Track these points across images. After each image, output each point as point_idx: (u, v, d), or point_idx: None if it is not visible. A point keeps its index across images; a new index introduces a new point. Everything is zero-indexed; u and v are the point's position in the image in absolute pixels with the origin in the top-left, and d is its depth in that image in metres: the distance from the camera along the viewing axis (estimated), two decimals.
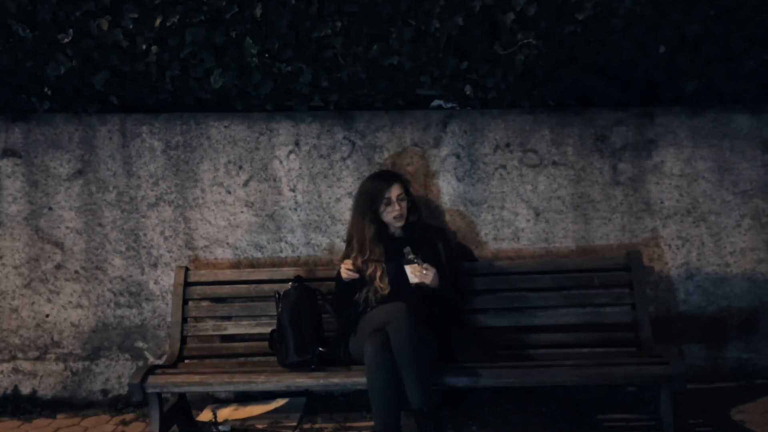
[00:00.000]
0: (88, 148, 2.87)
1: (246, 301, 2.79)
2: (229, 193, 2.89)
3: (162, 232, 2.89)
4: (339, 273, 2.49)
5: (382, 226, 2.53)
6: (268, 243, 2.90)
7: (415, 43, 2.59)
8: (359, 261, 2.47)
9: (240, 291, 2.78)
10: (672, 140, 2.84)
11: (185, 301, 2.76)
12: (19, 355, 2.92)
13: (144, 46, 2.56)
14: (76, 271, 2.90)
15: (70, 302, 2.91)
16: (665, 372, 2.26)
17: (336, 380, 2.34)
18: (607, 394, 2.77)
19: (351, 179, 2.86)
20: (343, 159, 2.87)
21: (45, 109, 2.80)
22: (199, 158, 2.87)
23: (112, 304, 2.91)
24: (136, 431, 2.65)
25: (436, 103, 2.89)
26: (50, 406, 2.88)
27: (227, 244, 2.90)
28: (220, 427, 2.60)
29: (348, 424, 2.61)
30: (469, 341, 2.52)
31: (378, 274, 2.46)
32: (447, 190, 2.87)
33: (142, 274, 2.90)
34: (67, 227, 2.89)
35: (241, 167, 2.88)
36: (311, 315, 2.48)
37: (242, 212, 2.89)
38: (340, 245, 2.84)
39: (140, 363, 2.90)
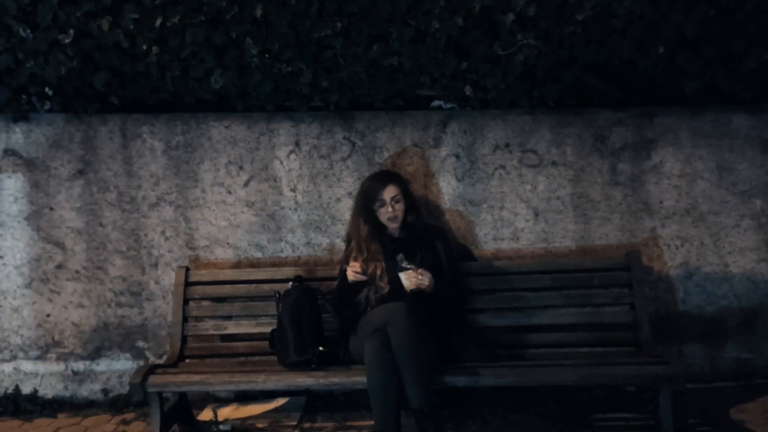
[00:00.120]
0: (88, 148, 2.87)
1: (246, 300, 2.79)
2: (230, 193, 2.89)
3: (163, 232, 2.90)
4: (343, 274, 2.49)
5: (378, 226, 2.54)
6: (269, 243, 2.90)
7: (415, 43, 2.60)
8: (360, 260, 2.47)
9: (240, 291, 2.79)
10: (671, 140, 2.84)
11: (186, 301, 2.77)
12: (20, 354, 2.93)
13: (144, 47, 2.57)
14: (77, 271, 2.91)
15: (71, 302, 2.91)
16: (665, 372, 2.26)
17: (336, 380, 2.35)
18: (607, 394, 2.77)
19: (351, 179, 2.87)
20: (343, 159, 2.87)
21: (46, 110, 2.80)
22: (200, 158, 2.88)
23: (113, 304, 2.91)
24: (136, 431, 2.66)
25: (436, 103, 2.90)
26: (51, 406, 2.88)
27: (228, 244, 2.90)
28: (221, 427, 2.60)
29: (348, 424, 2.61)
30: (469, 341, 2.53)
31: (378, 272, 2.46)
32: (447, 190, 2.87)
33: (143, 274, 2.90)
34: (68, 227, 2.90)
35: (241, 167, 2.88)
36: (311, 315, 2.48)
37: (243, 212, 2.90)
38: (340, 245, 2.84)
39: (141, 362, 2.90)
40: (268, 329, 2.57)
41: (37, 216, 2.89)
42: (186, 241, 2.90)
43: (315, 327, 2.48)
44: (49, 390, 2.93)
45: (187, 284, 2.78)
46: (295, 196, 2.88)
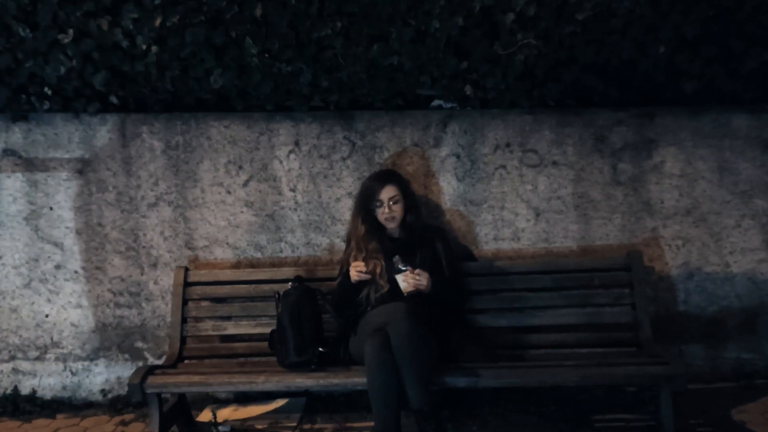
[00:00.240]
0: (88, 148, 2.87)
1: (246, 301, 2.78)
2: (229, 193, 2.89)
3: (162, 232, 2.89)
4: (345, 274, 2.48)
5: (377, 226, 2.54)
6: (268, 243, 2.89)
7: (415, 43, 2.60)
8: (361, 259, 2.47)
9: (240, 291, 2.78)
10: (672, 140, 2.84)
11: (185, 302, 2.76)
12: (19, 355, 2.92)
13: (144, 46, 2.56)
14: (76, 271, 2.90)
15: (70, 302, 2.91)
16: (665, 372, 2.26)
17: (336, 380, 2.34)
18: (607, 394, 2.77)
19: (351, 179, 2.86)
20: (343, 159, 2.87)
21: (45, 109, 2.80)
22: (199, 158, 2.87)
23: (111, 304, 2.91)
24: (135, 431, 2.65)
25: (436, 103, 2.89)
26: (50, 406, 2.88)
27: (227, 244, 2.89)
28: (220, 428, 2.59)
29: (348, 424, 2.61)
30: (469, 341, 2.52)
31: (378, 271, 2.46)
32: (447, 190, 2.87)
33: (142, 274, 2.90)
34: (67, 227, 2.89)
35: (241, 167, 2.88)
36: (311, 315, 2.48)
37: (242, 212, 2.89)
38: (340, 245, 2.84)
39: (140, 363, 2.90)
40: (267, 330, 2.56)
41: (36, 216, 2.89)
42: (185, 242, 2.89)
43: (315, 327, 2.47)
44: (47, 390, 2.93)
45: (187, 284, 2.77)
46: (295, 196, 2.88)
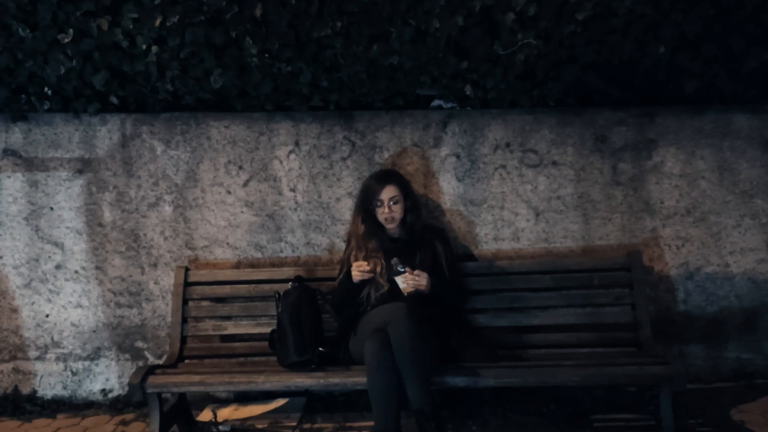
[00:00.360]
0: (88, 148, 2.87)
1: (246, 301, 2.79)
2: (229, 193, 2.89)
3: (162, 232, 2.89)
4: (347, 274, 2.48)
5: (377, 225, 2.54)
6: (268, 243, 2.89)
7: (415, 43, 2.59)
8: (361, 258, 2.47)
9: (240, 291, 2.78)
10: (672, 140, 2.84)
11: (185, 301, 2.76)
12: (19, 354, 2.92)
13: (144, 46, 2.56)
14: (76, 271, 2.90)
15: (70, 302, 2.91)
16: (665, 372, 2.26)
17: (336, 380, 2.34)
18: (607, 394, 2.77)
19: (351, 179, 2.86)
20: (343, 159, 2.87)
21: (45, 109, 2.80)
22: (199, 158, 2.87)
23: (112, 304, 2.91)
24: (136, 431, 2.65)
25: (436, 103, 2.89)
26: (50, 406, 2.88)
27: (227, 244, 2.89)
28: (220, 427, 2.60)
29: (348, 424, 2.61)
30: (469, 341, 2.52)
31: (378, 270, 2.46)
32: (447, 190, 2.87)
33: (142, 274, 2.90)
34: (67, 227, 2.89)
35: (241, 167, 2.88)
36: (311, 315, 2.48)
37: (242, 212, 2.89)
38: (340, 245, 2.84)
39: (140, 363, 2.90)
40: (267, 329, 2.57)
41: (36, 216, 2.89)
42: (185, 241, 2.89)
43: (315, 327, 2.47)
44: (48, 390, 2.93)
45: (187, 284, 2.77)
46: (295, 196, 2.88)
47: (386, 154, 2.86)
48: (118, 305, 2.91)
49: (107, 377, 2.93)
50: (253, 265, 2.89)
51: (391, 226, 2.53)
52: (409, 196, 2.57)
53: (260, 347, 2.67)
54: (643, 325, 2.60)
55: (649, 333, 2.58)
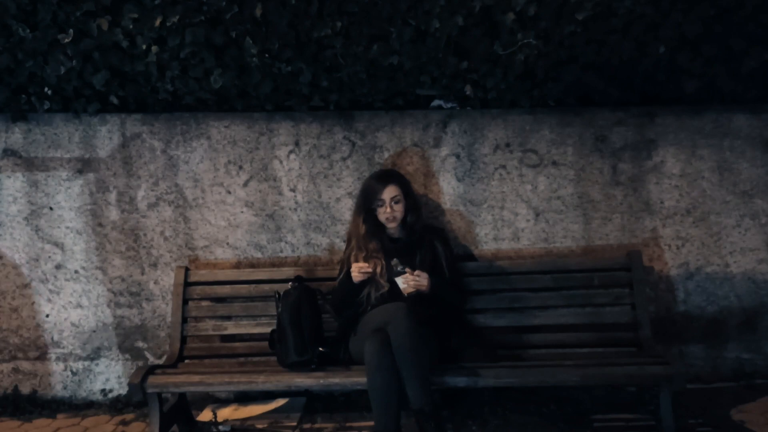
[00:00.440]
0: (88, 148, 2.87)
1: (246, 301, 2.79)
2: (229, 193, 2.89)
3: (162, 232, 2.89)
4: (347, 275, 2.48)
5: (378, 225, 2.54)
6: (268, 243, 2.90)
7: (415, 43, 2.59)
8: (361, 258, 2.47)
9: (240, 291, 2.78)
10: (672, 140, 2.84)
11: (185, 301, 2.76)
12: (19, 354, 2.92)
13: (144, 46, 2.56)
14: (76, 271, 2.90)
15: (70, 302, 2.91)
16: (665, 372, 2.26)
17: (336, 380, 2.34)
18: (607, 394, 2.77)
19: (351, 179, 2.86)
20: (343, 159, 2.87)
21: (45, 109, 2.80)
22: (199, 158, 2.87)
23: (112, 304, 2.91)
24: (136, 431, 2.65)
25: (436, 103, 2.89)
26: (50, 406, 2.88)
27: (227, 244, 2.90)
28: (220, 427, 2.60)
29: (348, 424, 2.61)
30: (469, 341, 2.52)
31: (378, 270, 2.46)
32: (447, 190, 2.87)
33: (142, 274, 2.90)
34: (67, 227, 2.89)
35: (241, 167, 2.88)
36: (311, 315, 2.48)
37: (242, 212, 2.89)
38: (340, 245, 2.84)
39: (140, 363, 2.90)
40: (267, 329, 2.57)
41: (36, 216, 2.89)
42: (185, 241, 2.89)
43: (315, 327, 2.47)
44: (48, 390, 2.93)
45: (187, 284, 2.77)
46: (295, 196, 2.88)
47: (386, 154, 2.86)
48: (118, 305, 2.91)
49: (107, 377, 2.93)
50: (253, 265, 2.89)
51: (392, 226, 2.53)
52: (409, 196, 2.57)
53: (260, 347, 2.67)
54: (643, 325, 2.60)
55: (649, 333, 2.58)
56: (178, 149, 2.87)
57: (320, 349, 2.41)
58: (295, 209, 2.88)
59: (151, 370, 2.44)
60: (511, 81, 2.71)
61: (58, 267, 2.90)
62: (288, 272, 2.73)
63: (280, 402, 2.84)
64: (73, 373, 2.93)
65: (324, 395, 2.86)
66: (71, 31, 2.54)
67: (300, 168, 2.87)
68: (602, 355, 2.57)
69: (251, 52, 2.55)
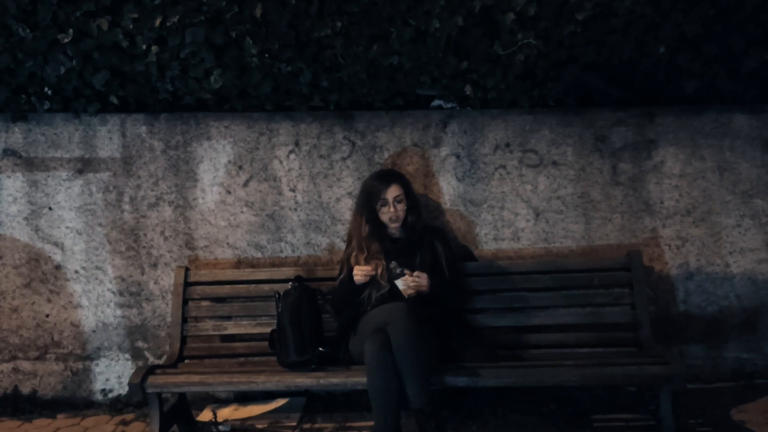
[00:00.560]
0: (88, 148, 2.87)
1: (246, 301, 2.79)
2: (229, 193, 2.89)
3: (162, 232, 2.89)
4: (348, 276, 2.47)
5: (379, 226, 2.54)
6: (268, 243, 2.90)
7: (415, 43, 2.59)
8: (362, 259, 2.47)
9: (240, 291, 2.78)
10: (672, 140, 2.84)
11: (185, 301, 2.76)
12: (19, 355, 2.92)
13: (144, 46, 2.56)
14: (76, 271, 2.90)
15: (70, 302, 2.91)
16: (665, 372, 2.26)
17: (336, 380, 2.34)
18: (607, 394, 2.77)
19: (351, 179, 2.86)
20: (343, 159, 2.87)
21: (45, 109, 2.80)
22: (199, 158, 2.87)
23: (112, 304, 2.91)
24: (136, 431, 2.65)
25: (436, 103, 2.89)
26: (50, 406, 2.88)
27: (227, 244, 2.90)
28: (220, 427, 2.60)
29: (348, 424, 2.61)
30: (469, 341, 2.52)
31: (379, 270, 2.46)
32: (447, 190, 2.87)
33: (142, 274, 2.90)
34: (67, 227, 2.89)
35: (241, 167, 2.88)
36: (311, 315, 2.48)
37: (242, 212, 2.89)
38: (340, 245, 2.84)
39: (140, 363, 2.90)
40: (267, 329, 2.57)
41: (36, 216, 2.89)
42: (185, 241, 2.89)
43: (315, 327, 2.48)
44: (48, 390, 2.93)
45: (187, 284, 2.77)
46: (295, 196, 2.88)
47: (386, 154, 2.86)
48: (118, 305, 2.91)
49: (107, 377, 2.93)
50: (253, 265, 2.89)
51: (395, 225, 2.53)
52: (410, 196, 2.57)
53: (260, 347, 2.67)
54: (643, 325, 2.60)
55: (649, 333, 2.58)
56: (178, 149, 2.87)
57: (320, 349, 2.41)
58: (295, 209, 2.88)
59: (151, 370, 2.44)
60: (511, 81, 2.71)
61: (58, 267, 2.90)
62: (288, 272, 2.73)
63: (280, 402, 2.84)
64: (73, 373, 2.93)
65: (324, 395, 2.86)
66: (71, 31, 2.54)
67: (300, 168, 2.87)
68: (602, 355, 2.57)
69: (251, 52, 2.55)
